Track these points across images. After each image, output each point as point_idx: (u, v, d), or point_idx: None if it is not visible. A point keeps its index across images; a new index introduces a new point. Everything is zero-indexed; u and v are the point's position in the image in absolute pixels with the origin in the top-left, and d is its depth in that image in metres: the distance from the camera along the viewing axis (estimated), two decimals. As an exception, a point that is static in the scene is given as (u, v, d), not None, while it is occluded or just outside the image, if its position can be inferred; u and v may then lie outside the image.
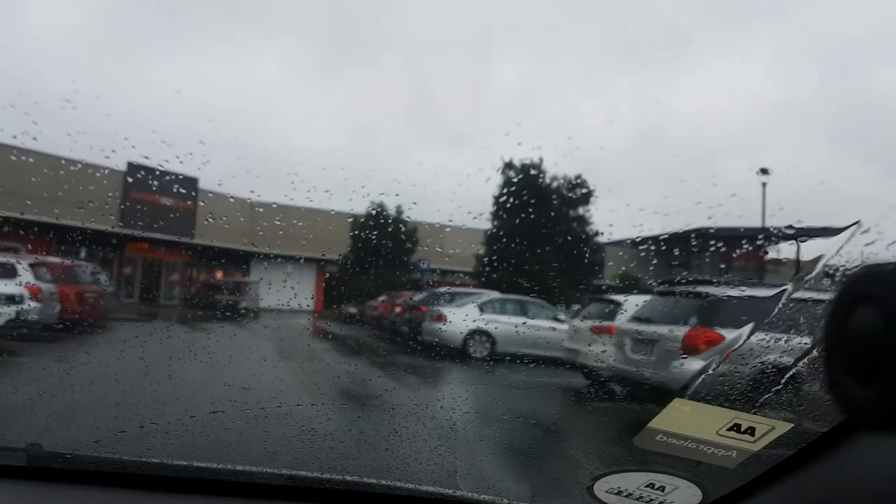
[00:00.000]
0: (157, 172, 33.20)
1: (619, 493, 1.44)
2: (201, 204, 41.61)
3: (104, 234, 29.94)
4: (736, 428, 1.35)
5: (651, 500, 1.43)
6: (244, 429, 4.10)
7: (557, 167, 34.11)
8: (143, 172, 38.13)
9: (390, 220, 37.20)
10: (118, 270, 37.80)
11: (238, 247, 40.54)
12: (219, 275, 47.09)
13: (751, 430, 1.34)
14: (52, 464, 1.55)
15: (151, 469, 1.59)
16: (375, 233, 36.64)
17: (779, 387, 1.46)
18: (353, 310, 25.67)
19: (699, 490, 1.41)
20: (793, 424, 1.39)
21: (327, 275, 42.92)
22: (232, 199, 38.11)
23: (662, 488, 1.41)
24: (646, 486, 1.42)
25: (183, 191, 35.20)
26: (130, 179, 38.60)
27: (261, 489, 1.52)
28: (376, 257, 33.41)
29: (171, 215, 36.39)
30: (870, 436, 1.06)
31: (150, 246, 35.87)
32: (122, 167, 36.19)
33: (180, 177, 41.15)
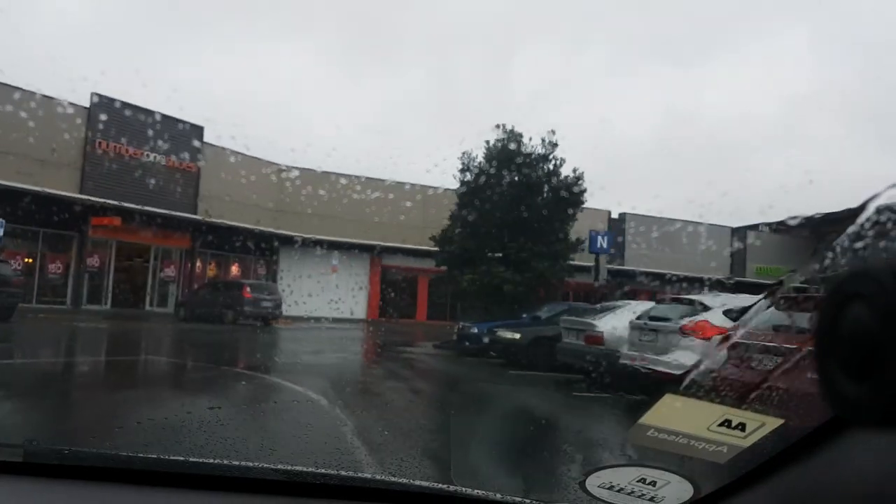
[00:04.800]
0: (140, 113, 33.58)
1: (611, 487, 2.08)
2: (207, 165, 37.04)
3: (49, 201, 28.21)
4: (727, 423, 2.01)
5: (643, 494, 2.05)
6: (241, 424, 5.52)
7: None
8: (116, 111, 33.30)
9: (532, 159, 30.95)
10: (78, 260, 33.70)
11: (261, 228, 36.56)
12: (234, 268, 42.08)
13: (741, 426, 1.99)
14: (49, 459, 2.12)
15: (148, 464, 2.16)
16: (504, 182, 30.19)
17: (770, 382, 2.09)
18: (479, 334, 21.74)
19: (690, 485, 2.03)
20: (783, 420, 1.97)
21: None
22: (254, 162, 38.08)
23: (654, 483, 2.05)
24: (637, 481, 2.07)
25: (181, 144, 35.26)
26: (97, 121, 33.30)
27: (256, 484, 2.10)
28: (509, 234, 29.16)
29: (162, 179, 34.02)
30: (860, 433, 1.48)
31: (126, 223, 32.28)
32: (84, 101, 32.47)
33: (177, 122, 36.28)
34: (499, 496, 2.25)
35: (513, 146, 30.43)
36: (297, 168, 37.95)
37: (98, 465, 2.17)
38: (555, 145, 30.85)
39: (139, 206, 31.37)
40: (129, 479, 2.11)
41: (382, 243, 38.10)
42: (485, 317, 25.16)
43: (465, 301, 32.99)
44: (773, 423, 2.01)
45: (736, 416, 2.06)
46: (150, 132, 32.73)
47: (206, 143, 36.19)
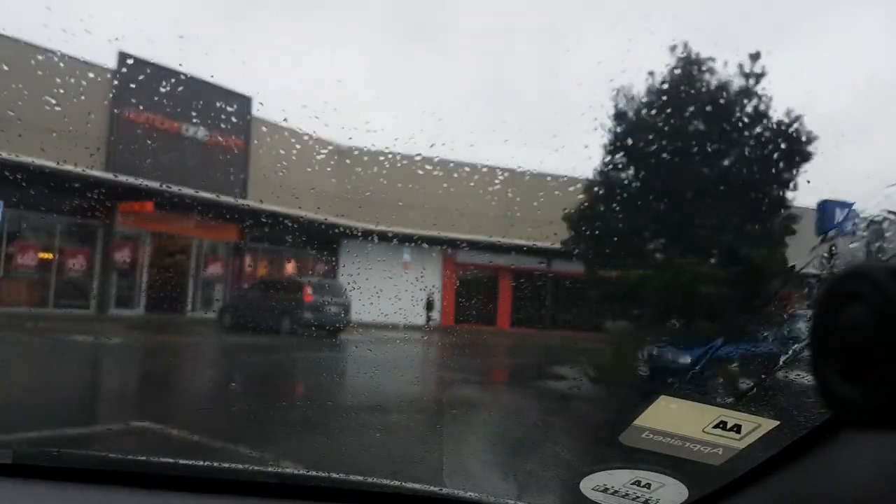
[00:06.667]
0: (178, 79, 33.03)
1: (606, 490, 2.34)
2: (257, 142, 36.02)
3: (67, 181, 26.92)
4: (722, 425, 2.29)
5: (637, 497, 2.32)
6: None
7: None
8: (149, 76, 32.15)
9: (730, 97, 24.09)
10: (104, 255, 32.16)
11: (322, 217, 32.57)
12: (289, 265, 39.70)
13: (737, 428, 2.27)
14: (39, 461, 2.39)
15: (139, 466, 2.43)
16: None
17: (765, 384, 2.28)
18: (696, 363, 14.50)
19: (685, 487, 2.29)
20: (779, 422, 2.23)
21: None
22: (311, 140, 36.33)
23: (648, 485, 2.32)
24: (632, 484, 2.34)
25: (226, 118, 34.63)
26: (125, 87, 32.52)
27: (246, 486, 2.34)
28: (698, 207, 22.92)
29: (204, 158, 33.74)
30: (856, 434, 1.72)
31: (161, 210, 30.69)
32: (110, 62, 30.81)
33: (222, 92, 35.29)
34: (492, 498, 2.51)
35: (697, 75, 24.32)
36: (360, 149, 37.25)
37: (89, 468, 2.46)
38: (760, 75, 24.13)
39: (177, 189, 28.83)
40: (120, 481, 2.39)
41: (458, 236, 37.05)
42: (683, 337, 20.11)
43: (614, 308, 26.33)
44: (768, 424, 2.27)
45: (731, 417, 2.31)
46: (190, 102, 31.37)
47: (255, 117, 35.80)
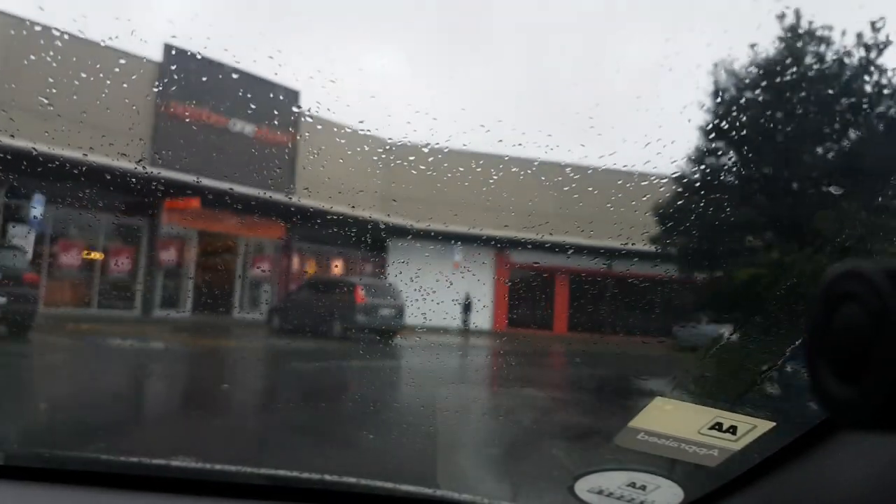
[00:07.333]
0: (224, 73, 31.78)
1: (601, 492, 2.36)
2: (304, 138, 33.32)
3: (110, 177, 25.87)
4: (718, 427, 2.31)
5: (632, 499, 2.33)
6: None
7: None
8: (194, 69, 27.87)
9: (848, 72, 21.98)
10: (148, 255, 31.98)
11: (370, 216, 38.10)
12: (337, 265, 37.60)
13: (732, 429, 2.30)
14: (30, 463, 2.48)
15: (131, 468, 2.50)
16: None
17: (761, 385, 2.30)
18: None
19: (680, 489, 2.30)
20: (774, 423, 2.24)
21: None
22: (359, 137, 35.35)
23: (644, 487, 2.34)
24: (627, 486, 2.35)
25: (273, 112, 33.70)
26: (171, 80, 31.35)
27: (240, 489, 2.39)
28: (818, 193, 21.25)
29: (250, 154, 32.50)
30: (851, 435, 1.75)
31: (208, 207, 29.95)
32: (155, 55, 29.48)
33: (269, 86, 30.81)
34: (486, 500, 2.53)
35: (810, 48, 22.54)
36: (410, 145, 36.67)
37: (80, 469, 2.54)
38: (882, 47, 22.48)
39: (224, 186, 28.44)
40: (112, 482, 2.47)
41: (511, 235, 36.03)
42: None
43: (711, 313, 24.53)
44: (764, 425, 2.29)
45: (727, 418, 2.33)
46: (237, 96, 31.50)
47: (303, 112, 35.21)
